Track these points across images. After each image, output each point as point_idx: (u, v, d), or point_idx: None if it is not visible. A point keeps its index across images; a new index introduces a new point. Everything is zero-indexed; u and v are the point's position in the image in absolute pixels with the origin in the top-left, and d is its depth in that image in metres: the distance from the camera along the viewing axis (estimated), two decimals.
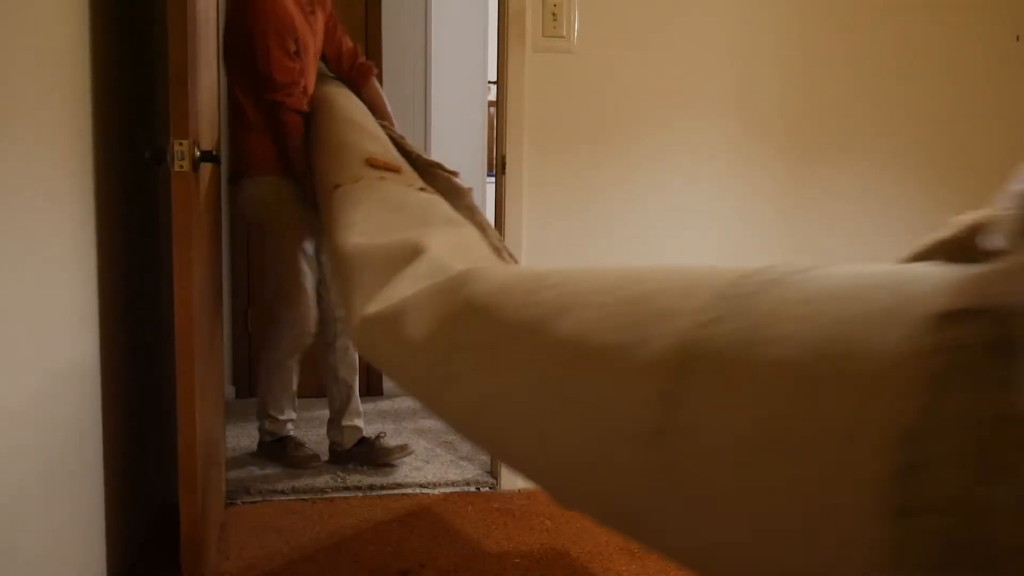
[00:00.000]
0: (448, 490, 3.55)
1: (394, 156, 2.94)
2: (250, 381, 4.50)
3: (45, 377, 1.90)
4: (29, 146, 1.77)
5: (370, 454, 3.72)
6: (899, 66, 3.79)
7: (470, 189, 2.97)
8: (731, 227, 3.71)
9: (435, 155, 5.13)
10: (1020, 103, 3.92)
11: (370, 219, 2.41)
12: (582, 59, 3.51)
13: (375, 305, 1.92)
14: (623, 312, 1.16)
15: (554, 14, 3.45)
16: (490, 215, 4.45)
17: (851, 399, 0.84)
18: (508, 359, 1.37)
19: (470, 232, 2.49)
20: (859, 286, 0.94)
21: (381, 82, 3.95)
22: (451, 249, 2.16)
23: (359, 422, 3.74)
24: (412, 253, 2.09)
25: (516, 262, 2.80)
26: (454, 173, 3.01)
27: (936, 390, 0.80)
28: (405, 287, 1.87)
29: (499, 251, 2.66)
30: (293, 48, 3.26)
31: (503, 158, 3.51)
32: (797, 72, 3.70)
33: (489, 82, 5.30)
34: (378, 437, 3.75)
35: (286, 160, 3.33)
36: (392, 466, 3.71)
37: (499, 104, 3.56)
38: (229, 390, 4.52)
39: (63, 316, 2.02)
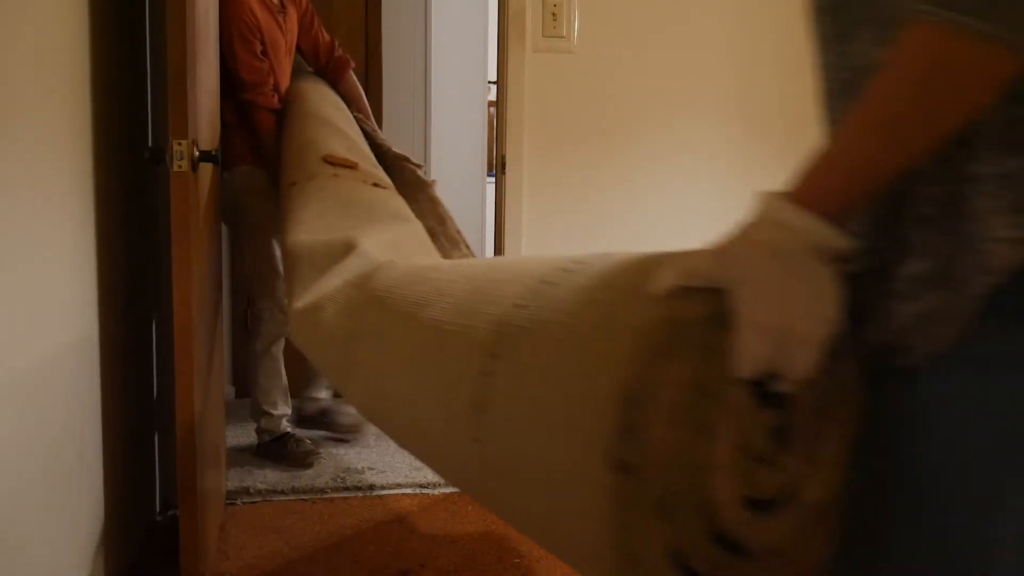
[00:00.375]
0: (448, 490, 3.52)
1: (360, 151, 3.04)
2: (249, 381, 4.46)
3: (45, 377, 1.89)
4: (30, 145, 1.77)
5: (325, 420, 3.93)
6: None
7: (433, 182, 3.22)
8: (731, 227, 3.68)
9: (435, 155, 5.17)
10: None
11: (318, 216, 2.52)
12: (582, 59, 3.51)
13: (306, 299, 2.02)
14: (470, 300, 1.27)
15: (554, 14, 3.45)
16: (490, 215, 4.46)
17: (591, 367, 0.94)
18: (391, 344, 1.49)
19: (414, 228, 2.62)
20: (614, 270, 1.04)
21: (374, 88, 3.99)
22: (385, 245, 2.25)
23: (324, 394, 3.97)
24: (346, 249, 2.18)
25: (473, 254, 3.03)
26: (418, 166, 3.26)
27: (656, 358, 0.90)
28: (333, 282, 1.96)
29: (457, 242, 2.91)
30: (260, 48, 3.29)
31: (503, 158, 3.51)
32: (797, 72, 3.69)
33: (489, 82, 5.32)
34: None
35: (260, 152, 3.37)
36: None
37: (499, 104, 3.56)
38: (229, 390, 4.51)
39: (63, 316, 2.02)
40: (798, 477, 0.97)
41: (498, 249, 3.58)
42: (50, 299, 1.93)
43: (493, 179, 3.89)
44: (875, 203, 0.95)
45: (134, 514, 2.72)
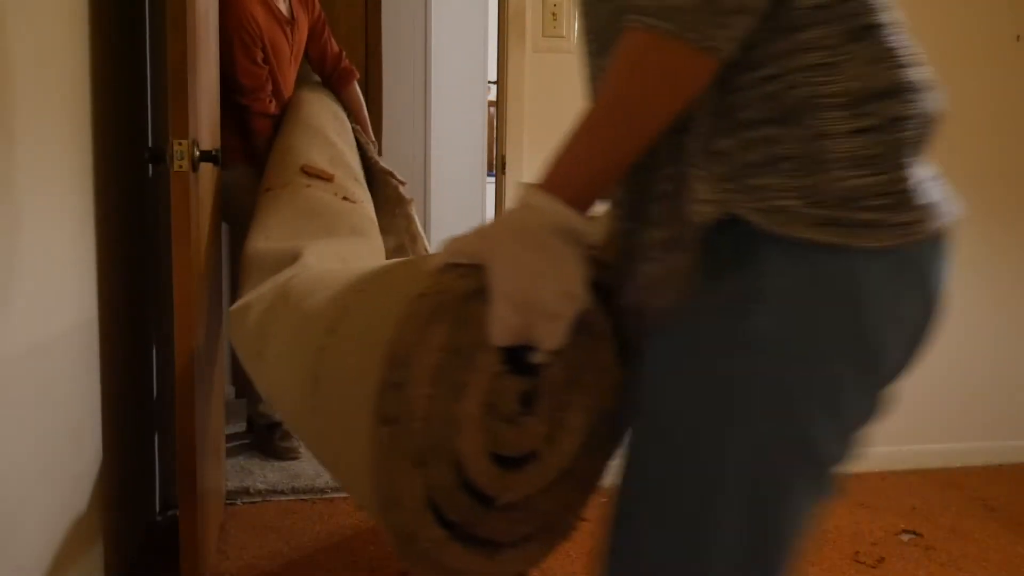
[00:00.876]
0: None
1: (343, 163, 3.10)
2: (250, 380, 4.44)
3: (45, 376, 1.89)
4: (30, 145, 1.77)
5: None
6: None
7: (411, 200, 3.35)
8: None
9: (435, 155, 5.18)
10: (1020, 103, 3.92)
11: (280, 224, 2.59)
12: None
13: (242, 300, 2.09)
14: (338, 289, 1.37)
15: (554, 14, 3.45)
16: (490, 215, 4.47)
17: (379, 335, 1.04)
18: (280, 334, 1.59)
19: (371, 244, 2.72)
20: (423, 257, 1.19)
21: (374, 87, 3.98)
22: (331, 256, 2.36)
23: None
24: (293, 259, 2.27)
25: None
26: (401, 182, 3.36)
27: (419, 324, 1.02)
28: (267, 285, 2.02)
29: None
30: (260, 56, 3.30)
31: (503, 158, 3.50)
32: None
33: (489, 82, 5.31)
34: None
35: (255, 154, 3.38)
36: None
37: (499, 104, 3.56)
38: (229, 390, 4.50)
39: (63, 316, 2.01)
40: (542, 439, 1.10)
41: None
42: (50, 299, 1.92)
43: (493, 179, 3.88)
44: (624, 186, 1.11)
45: (134, 514, 2.71)
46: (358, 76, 3.74)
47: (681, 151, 1.04)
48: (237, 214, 3.39)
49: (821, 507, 1.10)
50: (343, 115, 3.45)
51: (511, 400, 1.07)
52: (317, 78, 3.68)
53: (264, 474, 3.58)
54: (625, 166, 1.02)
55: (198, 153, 2.14)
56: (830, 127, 0.98)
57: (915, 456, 3.99)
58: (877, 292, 1.00)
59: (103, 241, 2.28)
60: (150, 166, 2.98)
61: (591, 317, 1.09)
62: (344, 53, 3.72)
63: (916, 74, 1.03)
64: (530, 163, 3.49)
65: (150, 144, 2.95)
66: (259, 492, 3.41)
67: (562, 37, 3.46)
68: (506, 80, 3.47)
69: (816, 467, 1.04)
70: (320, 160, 2.98)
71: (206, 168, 2.42)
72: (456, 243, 1.05)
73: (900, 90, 1.01)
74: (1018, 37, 3.88)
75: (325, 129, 3.22)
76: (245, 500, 3.37)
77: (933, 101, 1.07)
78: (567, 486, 1.16)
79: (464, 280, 1.03)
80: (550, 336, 1.02)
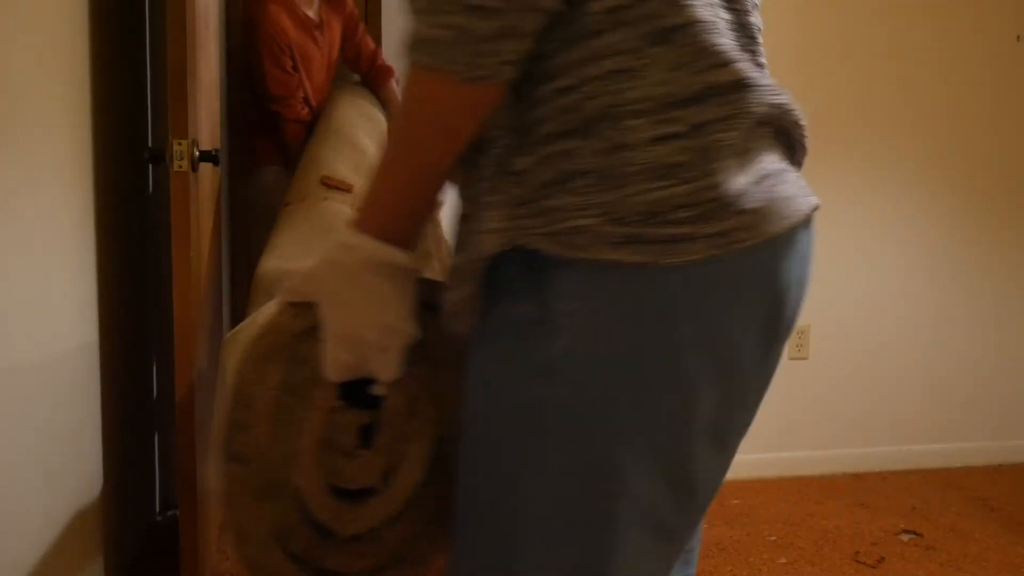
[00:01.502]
0: None
1: (368, 168, 3.02)
2: None
3: (45, 376, 1.89)
4: (30, 146, 1.76)
5: None
6: (899, 66, 3.78)
7: (440, 203, 3.18)
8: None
9: None
10: (1020, 103, 3.92)
11: (293, 243, 2.51)
12: None
13: (235, 328, 2.05)
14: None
15: None
16: None
17: (230, 369, 1.08)
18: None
19: None
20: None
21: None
22: None
23: None
24: None
25: None
26: None
27: (258, 363, 1.04)
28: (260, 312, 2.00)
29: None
30: (289, 64, 3.28)
31: None
32: (796, 72, 3.67)
33: None
34: None
35: (287, 154, 3.35)
36: None
37: None
38: None
39: (63, 316, 2.01)
40: (382, 472, 1.09)
41: None
42: (50, 299, 1.92)
43: None
44: (431, 216, 1.08)
45: (134, 514, 2.70)
46: (395, 74, 3.71)
47: (475, 175, 1.01)
48: (268, 217, 3.39)
49: (681, 541, 1.03)
50: (378, 115, 3.39)
51: (349, 434, 1.08)
52: (356, 77, 3.65)
53: None
54: (430, 196, 1.03)
55: (198, 153, 2.14)
56: (630, 137, 0.91)
57: (915, 456, 3.98)
58: (698, 308, 0.92)
59: (103, 241, 2.27)
60: (150, 166, 2.97)
61: (431, 346, 1.09)
62: (380, 51, 3.69)
63: (730, 74, 0.94)
64: None
65: (149, 144, 2.94)
66: None
67: None
68: None
69: (635, 498, 0.94)
70: (343, 169, 2.92)
71: (206, 168, 2.41)
72: (291, 281, 1.05)
73: (709, 94, 0.93)
74: (1018, 37, 3.89)
75: (355, 134, 3.16)
76: None
77: (758, 99, 0.96)
78: (414, 517, 1.14)
79: (297, 319, 1.05)
80: (383, 369, 1.03)
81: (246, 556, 1.08)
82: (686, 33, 0.92)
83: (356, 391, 1.06)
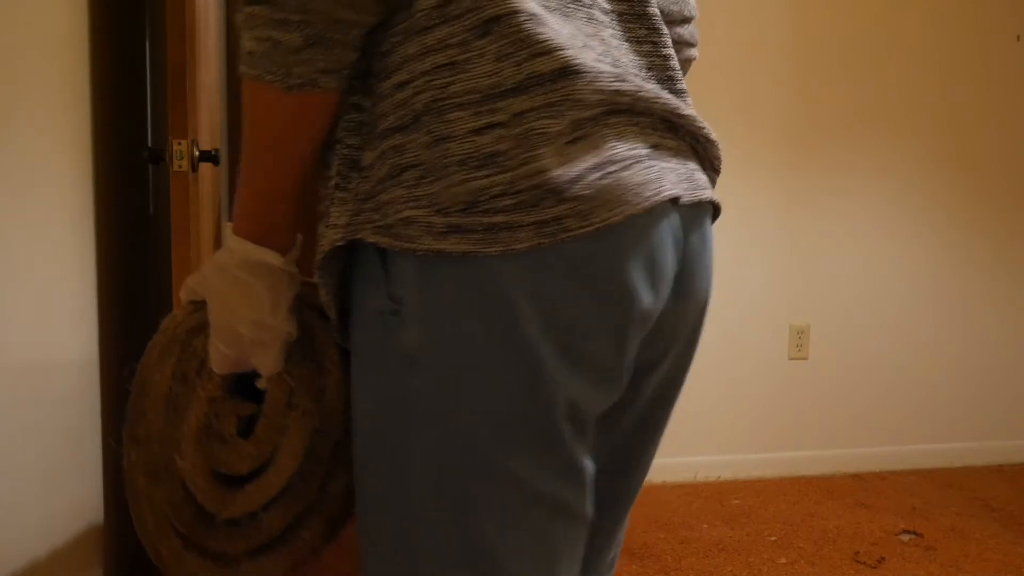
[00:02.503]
0: None
1: None
2: None
3: (45, 376, 1.88)
4: (29, 146, 1.76)
5: None
6: (899, 66, 3.78)
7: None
8: (732, 226, 3.69)
9: None
10: (1020, 103, 3.91)
11: None
12: None
13: None
14: None
15: None
16: None
17: None
18: None
19: None
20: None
21: None
22: None
23: None
24: None
25: None
26: None
27: (159, 355, 1.16)
28: None
29: None
30: None
31: None
32: (796, 72, 3.66)
33: None
34: None
35: None
36: None
37: None
38: None
39: (63, 315, 2.00)
40: (257, 460, 1.15)
41: None
42: (50, 298, 1.91)
43: None
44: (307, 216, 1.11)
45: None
46: None
47: (330, 170, 1.04)
48: None
49: (577, 521, 1.04)
50: None
51: (229, 423, 1.14)
52: None
53: None
54: (289, 199, 1.05)
55: (197, 153, 2.13)
56: (452, 129, 0.93)
57: (915, 456, 3.98)
58: (532, 292, 0.92)
59: (103, 242, 2.26)
60: (150, 166, 2.96)
61: (317, 345, 1.15)
62: None
63: (552, 62, 0.93)
64: None
65: (149, 144, 2.93)
66: None
67: None
68: None
69: (510, 479, 0.96)
70: None
71: (206, 168, 2.40)
72: (188, 280, 1.13)
73: (531, 83, 0.93)
74: (1018, 37, 3.89)
75: None
76: None
77: (590, 86, 0.95)
78: (290, 505, 1.19)
79: (191, 315, 1.15)
80: (262, 364, 1.09)
81: (144, 534, 1.17)
82: (508, 24, 0.93)
83: (245, 384, 1.14)
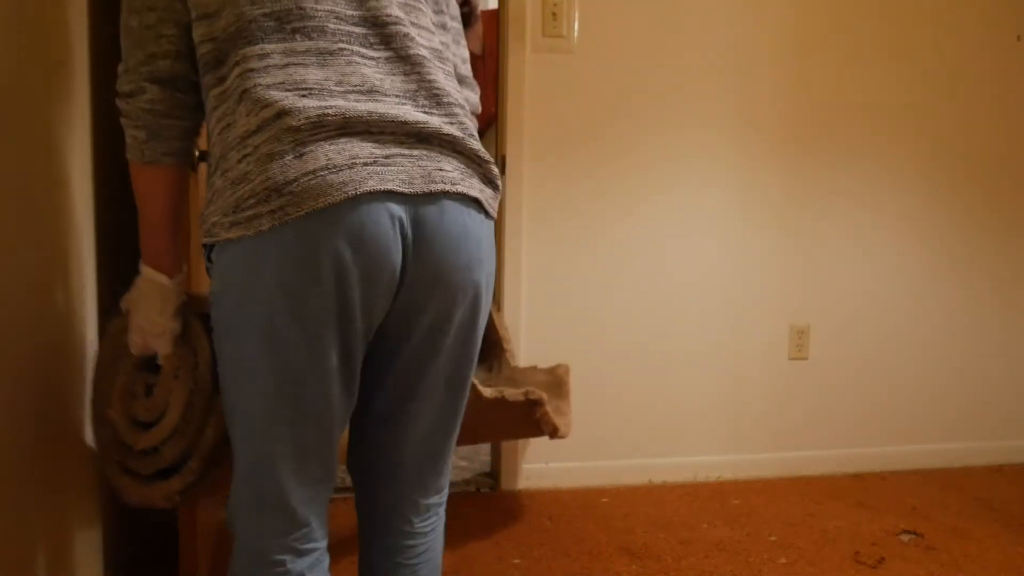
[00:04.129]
0: (448, 491, 3.45)
1: None
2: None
3: (44, 376, 1.87)
4: (27, 146, 1.75)
5: None
6: (899, 65, 3.74)
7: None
8: (732, 226, 3.67)
9: None
10: (1020, 102, 3.88)
11: None
12: (582, 59, 3.46)
13: None
14: None
15: (554, 14, 3.41)
16: None
17: None
18: None
19: None
20: None
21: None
22: None
23: None
24: None
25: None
26: None
27: (106, 345, 1.84)
28: None
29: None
30: None
31: (503, 158, 3.46)
32: (797, 72, 3.63)
33: None
34: None
35: None
36: None
37: (499, 104, 3.51)
38: None
39: (63, 315, 1.99)
40: (158, 411, 1.76)
41: (498, 248, 3.51)
42: (50, 299, 1.91)
43: None
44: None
45: (134, 514, 2.66)
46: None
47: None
48: None
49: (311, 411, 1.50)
50: None
51: (140, 387, 1.79)
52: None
53: None
54: (168, 236, 1.68)
55: (197, 152, 2.09)
56: (229, 164, 1.45)
57: (915, 456, 3.95)
58: (272, 258, 1.39)
59: (103, 242, 2.26)
60: None
61: (192, 337, 1.75)
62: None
63: (271, 110, 1.42)
64: (530, 163, 3.44)
65: None
66: None
67: (562, 37, 3.43)
68: (506, 80, 3.42)
69: (255, 371, 1.45)
70: None
71: (204, 167, 2.36)
72: (124, 298, 1.75)
73: (263, 125, 1.42)
74: (1018, 37, 3.85)
75: None
76: None
77: (296, 119, 1.41)
78: (178, 442, 1.75)
79: (122, 320, 1.79)
80: (159, 348, 1.74)
81: (102, 462, 1.85)
82: (250, 92, 1.44)
83: (150, 362, 1.78)
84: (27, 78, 1.76)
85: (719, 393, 3.76)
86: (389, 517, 1.74)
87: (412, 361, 1.59)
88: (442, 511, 1.82)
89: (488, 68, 3.87)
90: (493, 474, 3.64)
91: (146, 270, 1.67)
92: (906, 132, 3.79)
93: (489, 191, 1.59)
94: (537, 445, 3.60)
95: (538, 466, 3.62)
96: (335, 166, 1.39)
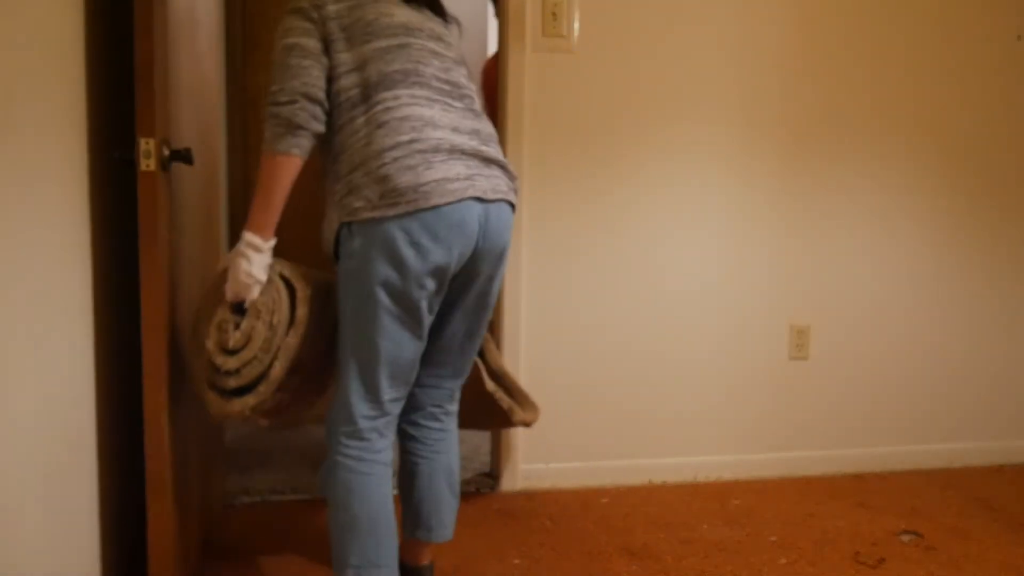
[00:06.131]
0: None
1: None
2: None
3: (43, 377, 1.86)
4: (27, 146, 1.74)
5: None
6: (900, 65, 3.71)
7: None
8: (733, 226, 3.63)
9: None
10: (1020, 102, 3.83)
11: None
12: (582, 59, 3.41)
13: None
14: None
15: (554, 14, 3.36)
16: None
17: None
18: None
19: None
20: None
21: None
22: None
23: None
24: None
25: None
26: None
27: (205, 295, 2.34)
28: None
29: None
30: None
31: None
32: (798, 72, 3.59)
33: None
34: None
35: None
36: None
37: (499, 104, 3.45)
38: None
39: (61, 316, 1.96)
40: (243, 342, 2.19)
41: None
42: (49, 299, 1.89)
43: None
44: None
45: (133, 514, 2.63)
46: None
47: (325, 190, 2.22)
48: None
49: (413, 338, 2.22)
50: None
51: (231, 324, 2.21)
52: None
53: (264, 474, 3.51)
54: (273, 211, 2.15)
55: (167, 152, 2.02)
56: (368, 168, 2.10)
57: (915, 456, 3.92)
58: (403, 231, 2.07)
59: (99, 243, 2.23)
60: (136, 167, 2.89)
61: (270, 289, 2.20)
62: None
63: (412, 135, 2.12)
64: (530, 163, 3.41)
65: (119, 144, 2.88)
66: (259, 492, 3.36)
67: (562, 37, 3.38)
68: (506, 80, 3.38)
69: (385, 314, 2.14)
70: None
71: (182, 168, 2.30)
72: (222, 259, 2.37)
73: (398, 145, 2.10)
74: (1019, 36, 3.83)
75: None
76: (244, 500, 3.30)
77: (424, 143, 2.13)
78: (255, 368, 2.18)
79: (220, 275, 2.27)
80: (248, 295, 2.18)
81: (195, 386, 2.29)
82: (387, 123, 2.11)
83: (240, 306, 2.22)
84: (17, 66, 1.71)
85: (719, 393, 3.72)
86: (431, 396, 2.48)
87: (461, 299, 2.32)
88: (453, 426, 2.56)
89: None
90: (493, 474, 3.59)
91: (248, 235, 2.14)
92: (906, 131, 3.75)
93: (515, 195, 2.32)
94: (537, 445, 3.57)
95: (538, 466, 3.57)
96: (448, 179, 2.09)
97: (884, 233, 3.77)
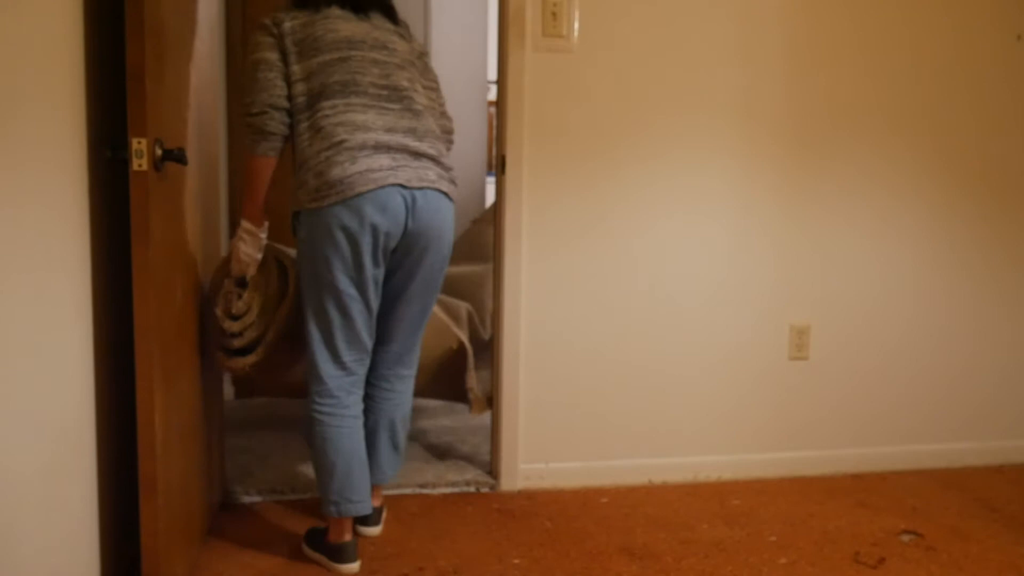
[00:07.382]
0: (448, 491, 3.43)
1: None
2: (250, 383, 4.49)
3: (43, 378, 1.85)
4: (27, 146, 1.73)
5: None
6: (900, 64, 3.67)
7: None
8: (733, 226, 3.58)
9: None
10: (1021, 103, 3.79)
11: None
12: (582, 59, 3.37)
13: None
14: None
15: (554, 14, 3.31)
16: None
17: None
18: None
19: None
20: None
21: None
22: None
23: None
24: None
25: None
26: None
27: (216, 271, 2.86)
28: None
29: None
30: None
31: (503, 158, 3.38)
32: (799, 71, 3.55)
33: (489, 82, 5.29)
34: None
35: None
36: None
37: (499, 104, 3.42)
38: (229, 391, 4.45)
39: (61, 317, 1.95)
40: (244, 309, 2.69)
41: (498, 248, 3.45)
42: (48, 300, 1.88)
43: (493, 179, 3.76)
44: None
45: (133, 514, 2.59)
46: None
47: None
48: None
49: (355, 314, 2.62)
50: None
51: (235, 294, 2.68)
52: None
53: (264, 474, 3.47)
54: (259, 202, 2.60)
55: (160, 152, 1.97)
56: (310, 165, 2.49)
57: (915, 456, 3.89)
58: (331, 221, 2.46)
59: (98, 243, 2.21)
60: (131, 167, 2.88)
61: (267, 266, 2.72)
62: None
63: (341, 137, 2.49)
64: (530, 163, 3.36)
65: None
66: (259, 492, 3.32)
67: (562, 37, 3.34)
68: (506, 80, 3.35)
69: (333, 288, 2.54)
70: None
71: (175, 168, 2.26)
72: (230, 244, 2.67)
73: (332, 146, 2.47)
74: (1019, 36, 3.79)
75: None
76: (244, 500, 3.27)
77: (349, 141, 2.51)
78: (253, 332, 2.68)
79: (226, 257, 2.74)
80: (248, 271, 2.66)
81: (212, 344, 2.78)
82: (325, 128, 2.50)
83: (242, 280, 2.67)
84: (16, 67, 1.69)
85: (719, 393, 3.69)
86: (387, 366, 2.89)
87: (406, 279, 2.70)
88: (411, 382, 2.96)
89: None
90: (493, 474, 3.55)
91: (245, 223, 2.63)
92: (906, 130, 3.71)
93: (451, 186, 2.68)
94: (537, 445, 3.54)
95: (538, 466, 3.53)
96: (371, 170, 2.46)
97: (884, 233, 3.74)
